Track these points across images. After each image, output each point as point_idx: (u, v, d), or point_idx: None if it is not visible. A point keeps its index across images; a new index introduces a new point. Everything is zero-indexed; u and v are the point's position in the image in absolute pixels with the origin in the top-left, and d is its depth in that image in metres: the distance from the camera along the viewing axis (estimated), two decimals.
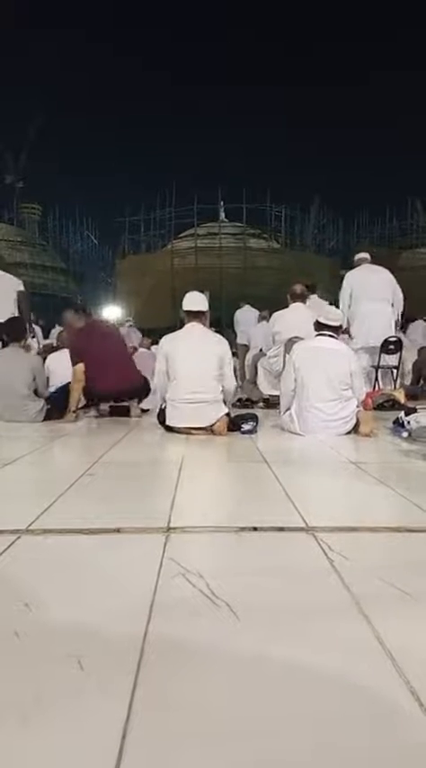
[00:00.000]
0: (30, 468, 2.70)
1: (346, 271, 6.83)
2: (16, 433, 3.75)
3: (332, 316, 3.94)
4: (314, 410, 3.58)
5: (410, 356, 6.70)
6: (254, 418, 3.83)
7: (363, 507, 2.02)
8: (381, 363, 6.03)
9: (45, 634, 1.02)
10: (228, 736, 0.74)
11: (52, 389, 4.74)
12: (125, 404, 4.72)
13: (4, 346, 4.55)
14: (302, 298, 5.77)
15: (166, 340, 3.91)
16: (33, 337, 5.53)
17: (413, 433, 3.39)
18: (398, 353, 6.06)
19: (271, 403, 5.38)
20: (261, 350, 6.49)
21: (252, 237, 23.06)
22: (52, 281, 25.91)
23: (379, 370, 6.06)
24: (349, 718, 0.78)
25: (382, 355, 5.96)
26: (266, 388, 5.75)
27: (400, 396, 5.26)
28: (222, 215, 23.67)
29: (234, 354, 10.09)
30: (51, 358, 5.38)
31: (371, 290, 6.01)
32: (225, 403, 3.83)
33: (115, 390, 4.53)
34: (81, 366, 4.45)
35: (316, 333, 3.90)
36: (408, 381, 6.71)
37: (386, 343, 5.91)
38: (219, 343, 3.86)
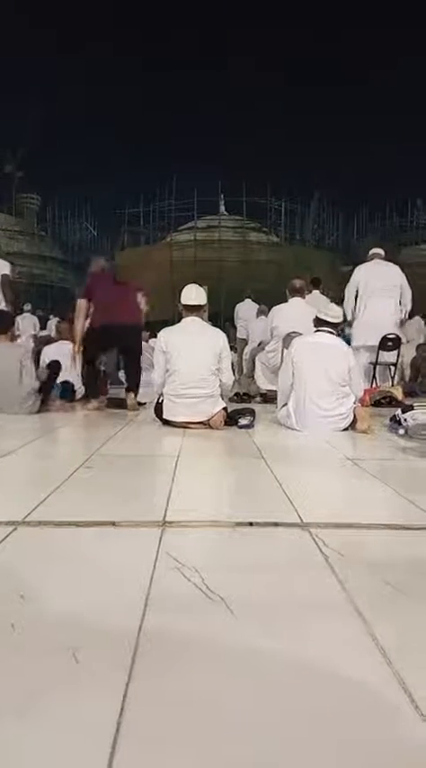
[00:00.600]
0: (26, 460, 2.70)
1: (346, 267, 6.81)
2: (13, 426, 3.74)
3: (332, 312, 3.93)
4: (311, 405, 3.58)
5: (408, 353, 6.69)
6: (251, 413, 3.83)
7: (359, 504, 2.03)
8: (379, 360, 6.03)
9: (41, 626, 1.02)
10: (222, 730, 0.75)
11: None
12: (121, 397, 4.72)
13: None
14: (301, 292, 5.76)
15: (164, 333, 3.90)
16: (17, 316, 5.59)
17: (410, 430, 3.40)
18: (396, 350, 6.05)
19: (269, 398, 5.38)
20: (260, 344, 6.47)
21: (252, 231, 22.97)
22: (50, 272, 25.78)
23: (377, 367, 6.06)
24: (344, 714, 0.79)
25: (380, 352, 5.96)
26: (263, 382, 5.75)
27: (397, 393, 5.27)
28: (222, 208, 23.55)
29: (233, 348, 10.08)
30: (48, 349, 5.37)
31: (379, 288, 5.96)
32: (222, 397, 3.83)
33: (107, 323, 4.58)
34: (83, 301, 4.72)
35: (315, 329, 3.90)
36: (406, 378, 6.72)
37: (384, 340, 5.90)
38: (217, 337, 3.86)
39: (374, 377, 6.02)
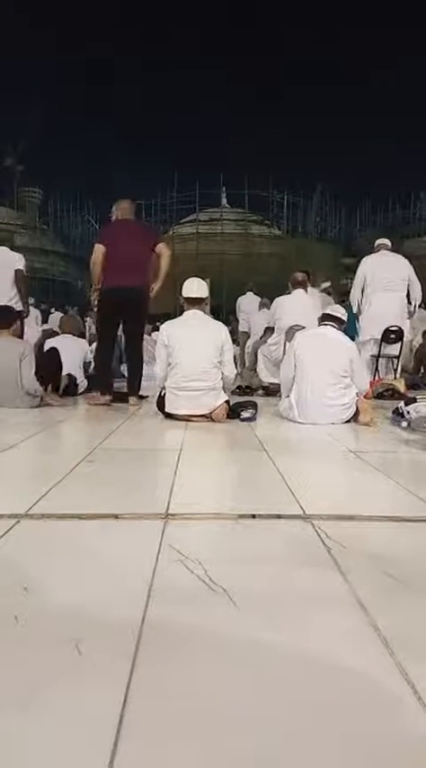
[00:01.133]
0: (29, 453, 2.71)
1: (348, 259, 6.77)
2: (15, 419, 3.75)
3: (338, 310, 4.05)
4: (313, 397, 3.58)
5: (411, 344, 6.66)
6: (254, 406, 3.84)
7: (361, 496, 2.03)
8: (382, 353, 6.01)
9: (44, 618, 1.02)
10: (225, 721, 0.75)
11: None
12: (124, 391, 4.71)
13: None
14: (303, 285, 5.75)
15: (166, 326, 3.90)
16: (26, 316, 5.41)
17: (413, 422, 3.39)
18: (399, 343, 6.03)
19: (271, 390, 5.38)
20: (262, 336, 6.45)
21: (254, 224, 22.92)
22: (52, 265, 25.76)
23: (380, 360, 6.04)
24: (346, 706, 0.79)
25: (383, 344, 5.94)
26: (266, 375, 5.75)
27: (400, 385, 5.26)
28: (224, 201, 23.47)
29: (235, 342, 10.07)
30: (51, 343, 5.36)
31: (386, 280, 5.90)
32: (224, 390, 3.83)
33: (115, 287, 4.45)
34: (100, 247, 4.54)
35: (320, 323, 3.97)
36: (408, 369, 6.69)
37: (386, 332, 5.88)
38: (219, 330, 3.85)
39: (376, 369, 6.00)
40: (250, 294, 10.13)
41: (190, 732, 0.73)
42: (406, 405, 3.53)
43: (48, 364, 4.45)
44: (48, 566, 1.29)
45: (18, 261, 5.38)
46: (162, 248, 4.64)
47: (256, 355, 6.11)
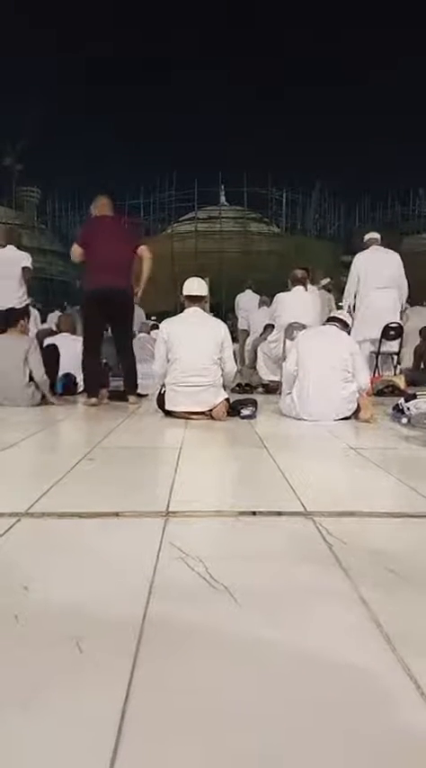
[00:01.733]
0: (29, 452, 2.70)
1: (347, 257, 6.75)
2: (16, 418, 3.75)
3: (346, 316, 4.18)
4: (315, 393, 3.58)
5: (410, 341, 6.64)
6: (254, 403, 3.84)
7: (362, 492, 2.03)
8: (381, 350, 6.00)
9: (44, 617, 1.02)
10: (227, 718, 0.75)
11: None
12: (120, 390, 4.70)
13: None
14: (303, 282, 5.74)
15: (166, 324, 3.91)
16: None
17: (413, 419, 3.39)
18: (399, 339, 6.03)
19: (271, 388, 5.38)
20: (264, 329, 6.45)
21: (253, 221, 22.90)
22: (50, 265, 25.72)
23: (380, 356, 6.04)
24: (349, 703, 0.78)
25: (382, 341, 5.94)
26: (265, 373, 5.75)
27: (400, 382, 5.26)
28: (223, 198, 23.44)
29: (234, 340, 10.07)
30: (49, 341, 5.35)
31: (379, 277, 5.91)
32: (224, 388, 3.84)
33: (100, 288, 4.39)
34: (77, 248, 4.50)
35: (324, 323, 4.08)
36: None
37: (386, 329, 5.88)
38: (218, 327, 3.86)
39: (376, 366, 6.00)
40: (249, 292, 10.13)
41: (192, 730, 0.72)
42: (406, 401, 3.53)
43: (47, 362, 4.44)
44: (48, 564, 1.29)
45: (25, 259, 5.48)
46: (143, 251, 4.56)
47: (256, 353, 6.11)
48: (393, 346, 6.08)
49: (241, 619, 1.02)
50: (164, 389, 3.79)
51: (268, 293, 7.71)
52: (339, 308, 6.44)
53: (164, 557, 1.30)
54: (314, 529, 1.51)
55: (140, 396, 4.73)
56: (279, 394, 4.30)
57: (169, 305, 10.37)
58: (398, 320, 5.96)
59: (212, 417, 3.62)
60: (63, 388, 4.87)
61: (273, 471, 2.21)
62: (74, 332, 5.50)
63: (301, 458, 2.66)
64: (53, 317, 10.24)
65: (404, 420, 3.44)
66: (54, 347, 4.79)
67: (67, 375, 4.97)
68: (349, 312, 5.88)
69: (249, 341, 7.88)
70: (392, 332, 5.93)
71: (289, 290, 5.76)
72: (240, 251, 21.00)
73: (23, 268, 5.40)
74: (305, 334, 4.04)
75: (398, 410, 3.56)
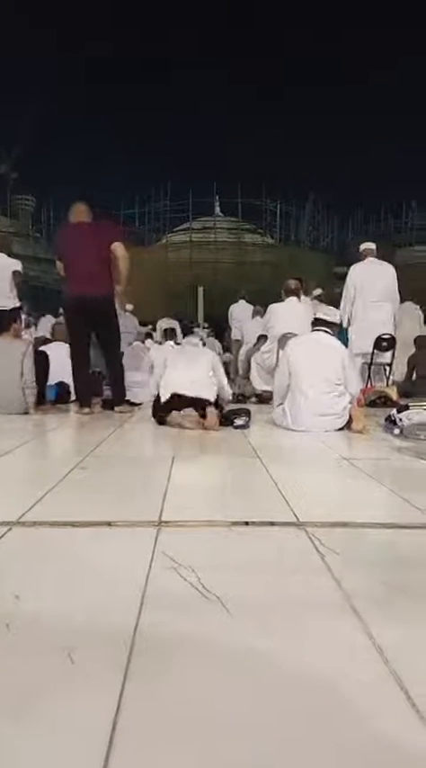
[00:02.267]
0: (21, 460, 2.69)
1: (340, 268, 6.79)
2: (8, 425, 3.73)
3: (330, 312, 4.03)
4: (307, 404, 3.59)
5: (402, 351, 6.65)
6: (247, 413, 3.84)
7: (354, 503, 2.03)
8: (374, 361, 6.04)
9: (36, 627, 1.01)
10: (219, 729, 0.75)
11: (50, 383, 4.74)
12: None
13: None
14: (296, 292, 5.77)
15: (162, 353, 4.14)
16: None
17: (405, 430, 3.41)
18: (391, 351, 6.06)
19: (264, 398, 5.38)
20: (258, 339, 6.47)
21: (247, 232, 23.03)
22: (44, 273, 25.69)
23: (372, 367, 6.07)
24: (340, 715, 0.78)
25: (375, 352, 5.98)
26: (258, 383, 5.75)
27: (392, 393, 5.28)
28: (217, 209, 23.57)
29: (227, 350, 10.04)
30: (41, 350, 5.34)
31: (374, 289, 5.94)
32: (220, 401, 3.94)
33: (80, 295, 4.33)
34: (59, 263, 4.51)
35: (313, 328, 3.95)
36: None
37: (378, 340, 5.92)
38: (206, 354, 4.07)
39: (369, 377, 6.03)
40: (242, 302, 10.17)
41: (184, 741, 0.72)
42: (399, 412, 3.55)
43: (36, 369, 4.43)
44: (40, 573, 1.28)
45: (15, 264, 5.70)
46: (117, 248, 4.36)
47: (249, 363, 6.11)
48: (385, 357, 6.11)
49: (233, 629, 1.02)
50: (157, 393, 3.87)
51: (261, 304, 7.74)
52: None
53: (156, 566, 1.29)
54: (306, 539, 1.51)
55: (133, 404, 4.72)
56: (272, 404, 4.32)
57: (163, 315, 10.41)
58: (391, 331, 5.99)
59: (205, 427, 3.62)
60: (56, 396, 4.84)
61: (266, 481, 2.21)
62: (67, 340, 5.49)
63: (294, 468, 2.66)
64: (45, 321, 10.22)
65: (397, 431, 3.45)
66: (45, 356, 4.78)
67: (60, 384, 4.95)
68: (346, 323, 5.92)
69: (242, 351, 7.89)
70: (384, 343, 5.96)
71: (283, 300, 5.79)
72: (234, 261, 21.10)
73: (14, 272, 5.58)
74: (295, 342, 3.97)
75: (390, 421, 3.57)
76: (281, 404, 3.81)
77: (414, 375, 6.30)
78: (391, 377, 6.21)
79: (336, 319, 4.00)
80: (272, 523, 1.65)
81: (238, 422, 3.71)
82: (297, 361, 3.71)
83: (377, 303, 5.94)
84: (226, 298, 11.92)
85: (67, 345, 5.19)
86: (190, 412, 3.68)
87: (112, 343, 4.65)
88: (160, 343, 7.56)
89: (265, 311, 6.14)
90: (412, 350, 6.44)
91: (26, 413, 4.23)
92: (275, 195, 23.56)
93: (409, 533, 1.62)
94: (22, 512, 1.70)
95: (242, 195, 22.51)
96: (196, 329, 10.33)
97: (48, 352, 4.99)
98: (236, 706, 0.80)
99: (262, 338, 6.26)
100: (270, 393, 4.50)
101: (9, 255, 5.87)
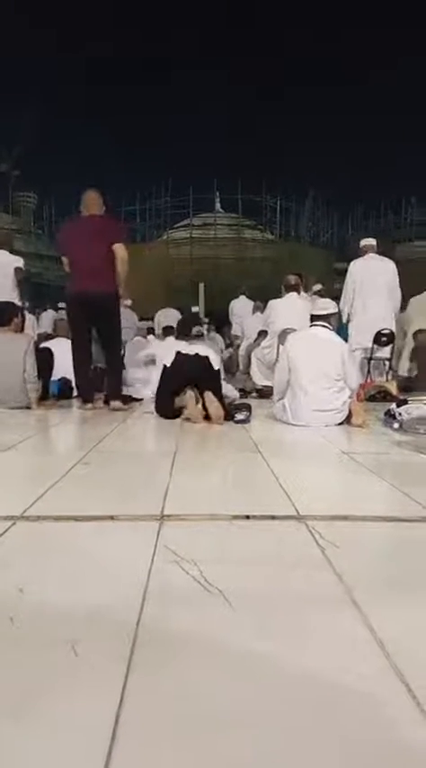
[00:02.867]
0: (24, 455, 2.70)
1: (340, 264, 6.78)
2: (11, 420, 3.74)
3: (323, 305, 4.01)
4: (306, 400, 3.60)
5: (402, 345, 6.62)
6: (248, 408, 3.85)
7: (354, 497, 2.04)
8: (373, 356, 6.04)
9: (39, 620, 1.02)
10: (221, 722, 0.75)
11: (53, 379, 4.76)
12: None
13: None
14: (296, 288, 5.77)
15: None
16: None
17: (404, 424, 3.41)
18: (390, 345, 6.07)
19: (264, 393, 5.39)
20: (258, 335, 6.47)
21: (248, 228, 22.97)
22: (47, 270, 25.66)
23: (372, 362, 6.07)
24: (343, 708, 0.79)
25: (374, 347, 5.98)
26: (259, 378, 5.76)
27: (392, 387, 5.28)
28: (218, 205, 23.50)
29: (228, 346, 10.05)
30: (44, 346, 5.35)
31: (374, 285, 5.94)
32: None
33: (80, 291, 4.29)
34: (64, 259, 4.46)
35: (310, 324, 3.95)
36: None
37: (378, 335, 5.92)
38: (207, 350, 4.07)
39: (369, 372, 6.04)
40: (243, 298, 10.17)
41: (186, 735, 0.73)
42: (398, 407, 3.56)
43: (40, 366, 4.44)
44: (43, 567, 1.29)
45: (17, 261, 5.75)
46: (117, 249, 4.30)
47: (249, 358, 6.12)
48: (385, 352, 6.11)
49: (235, 623, 1.03)
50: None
51: (262, 299, 7.74)
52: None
53: (158, 560, 1.30)
54: (307, 533, 1.52)
55: (135, 400, 4.73)
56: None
57: (161, 306, 10.38)
58: (391, 326, 6.00)
59: (209, 420, 3.64)
60: (59, 392, 4.86)
61: (267, 476, 2.22)
62: (69, 337, 5.51)
63: (295, 462, 2.67)
64: (47, 315, 10.20)
65: (396, 425, 3.46)
66: (49, 352, 4.78)
67: (63, 379, 4.96)
68: (346, 318, 5.92)
69: (243, 346, 7.89)
70: (384, 338, 5.96)
71: (282, 296, 5.80)
72: (234, 257, 21.05)
73: (16, 268, 5.61)
74: (294, 337, 3.97)
75: (390, 415, 3.58)
76: (281, 399, 3.82)
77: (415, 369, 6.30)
78: (391, 371, 6.20)
79: (332, 310, 3.96)
80: (273, 517, 1.66)
81: (239, 417, 3.72)
82: (297, 357, 3.72)
83: (376, 299, 5.94)
84: (226, 293, 11.92)
85: (69, 341, 5.19)
86: (192, 395, 3.71)
87: (113, 340, 4.63)
88: (161, 338, 7.55)
89: (265, 307, 6.15)
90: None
91: (28, 408, 4.24)
92: (275, 191, 23.48)
93: (409, 527, 1.63)
94: (26, 506, 1.71)
95: (242, 192, 22.46)
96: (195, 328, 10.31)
97: (52, 348, 5.01)
98: (238, 700, 0.80)
99: (263, 334, 6.27)
100: (271, 388, 4.50)
101: (11, 252, 5.88)
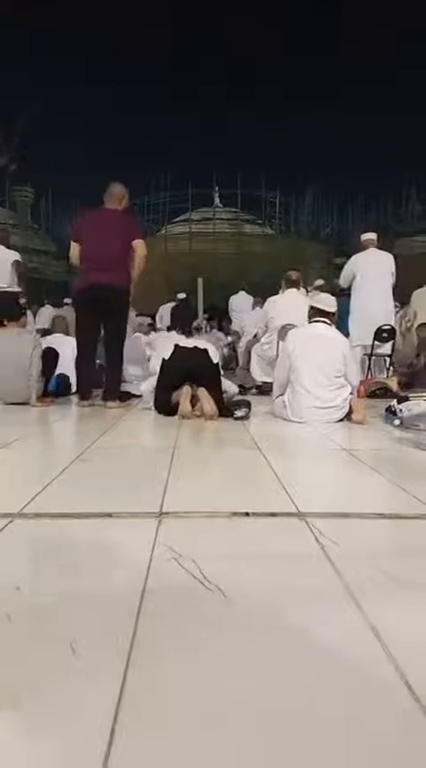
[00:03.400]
0: (22, 452, 2.69)
1: (340, 259, 6.77)
2: (9, 417, 3.73)
3: (327, 302, 3.94)
4: (307, 396, 3.59)
5: (403, 342, 6.64)
6: (247, 405, 3.84)
7: (354, 494, 2.04)
8: (374, 352, 6.03)
9: (37, 617, 1.02)
10: (221, 717, 0.75)
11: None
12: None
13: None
14: (296, 284, 5.76)
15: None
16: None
17: (405, 420, 3.41)
18: (391, 342, 6.06)
19: (264, 390, 5.39)
20: (256, 335, 6.46)
21: (247, 223, 22.95)
22: (44, 265, 25.61)
23: (372, 358, 6.07)
24: (343, 705, 0.79)
25: (375, 343, 5.97)
26: (259, 374, 5.76)
27: (392, 384, 5.28)
28: (217, 200, 23.46)
29: (229, 344, 10.04)
30: (46, 343, 5.33)
31: (375, 280, 5.94)
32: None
33: (90, 284, 4.22)
34: (75, 245, 4.33)
35: (311, 320, 3.91)
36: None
37: (378, 331, 5.91)
38: (205, 344, 4.09)
39: (369, 368, 6.03)
40: (242, 293, 10.16)
41: (185, 731, 0.73)
42: (399, 403, 3.55)
43: (45, 364, 4.43)
44: (41, 564, 1.29)
45: (14, 255, 5.80)
46: (137, 245, 4.31)
47: (249, 354, 6.11)
48: (385, 348, 6.11)
49: (234, 619, 1.02)
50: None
51: (261, 294, 7.73)
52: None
53: (157, 557, 1.30)
54: (307, 530, 1.52)
55: (134, 396, 4.72)
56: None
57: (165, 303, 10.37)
58: (391, 323, 5.99)
59: (206, 416, 3.63)
60: (57, 388, 4.85)
61: (267, 472, 2.22)
62: (67, 333, 5.50)
63: (294, 459, 2.67)
64: (44, 311, 10.17)
65: (397, 422, 3.46)
66: (55, 353, 4.76)
67: (61, 376, 4.95)
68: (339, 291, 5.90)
69: (242, 342, 7.89)
70: (384, 334, 5.96)
71: (283, 291, 5.78)
72: (234, 252, 21.04)
73: (15, 262, 5.65)
74: (294, 334, 3.94)
75: (391, 412, 3.58)
76: (281, 395, 3.81)
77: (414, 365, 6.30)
78: (391, 368, 6.20)
79: (333, 309, 3.93)
80: (273, 514, 1.66)
81: (239, 413, 3.71)
82: (296, 354, 3.70)
83: (377, 293, 5.92)
84: (225, 289, 11.91)
85: (68, 338, 5.18)
86: (188, 391, 3.70)
87: (118, 338, 4.55)
88: (163, 330, 7.55)
89: (265, 302, 6.13)
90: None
91: (27, 403, 4.23)
92: (274, 186, 23.45)
93: (409, 523, 1.63)
94: (24, 503, 1.71)
95: (241, 186, 22.43)
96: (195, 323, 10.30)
97: (53, 346, 5.00)
98: (237, 695, 0.80)
99: (262, 329, 6.26)
100: (271, 384, 4.49)
101: (8, 248, 5.87)
